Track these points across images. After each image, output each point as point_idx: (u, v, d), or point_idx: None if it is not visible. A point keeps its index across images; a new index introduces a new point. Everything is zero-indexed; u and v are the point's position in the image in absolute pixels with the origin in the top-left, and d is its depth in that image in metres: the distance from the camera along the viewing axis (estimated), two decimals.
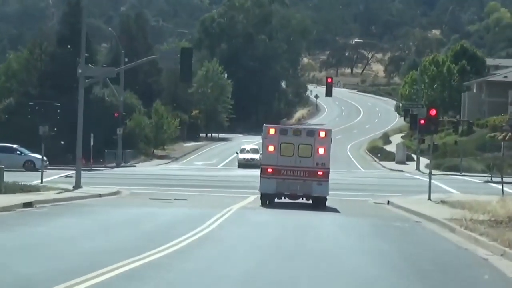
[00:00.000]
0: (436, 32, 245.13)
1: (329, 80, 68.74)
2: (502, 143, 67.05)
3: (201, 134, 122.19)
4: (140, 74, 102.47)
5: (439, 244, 23.22)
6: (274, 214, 31.88)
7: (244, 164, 74.20)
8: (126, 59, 76.55)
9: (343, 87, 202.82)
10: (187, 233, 22.46)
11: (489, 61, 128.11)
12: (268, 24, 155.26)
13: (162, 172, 64.27)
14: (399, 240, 23.66)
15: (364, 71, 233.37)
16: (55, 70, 77.62)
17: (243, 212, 31.80)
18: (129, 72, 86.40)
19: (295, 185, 35.72)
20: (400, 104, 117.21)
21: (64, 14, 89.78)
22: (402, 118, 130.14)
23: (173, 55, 44.07)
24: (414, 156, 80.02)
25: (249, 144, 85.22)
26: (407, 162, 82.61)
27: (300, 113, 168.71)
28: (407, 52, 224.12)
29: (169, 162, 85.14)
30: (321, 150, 35.76)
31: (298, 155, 35.75)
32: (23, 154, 63.17)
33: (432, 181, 40.65)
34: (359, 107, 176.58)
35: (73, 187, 41.01)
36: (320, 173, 35.59)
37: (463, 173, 68.13)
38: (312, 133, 36.47)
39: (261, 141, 38.30)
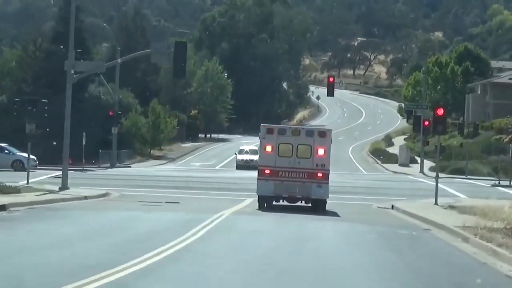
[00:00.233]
0: (438, 34, 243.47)
1: (331, 79, 66.67)
2: (510, 145, 65.68)
3: (200, 135, 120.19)
4: (138, 73, 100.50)
5: (454, 257, 20.78)
6: (270, 220, 29.46)
7: (243, 166, 72.97)
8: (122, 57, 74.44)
9: (346, 88, 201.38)
10: (166, 244, 19.79)
11: (493, 63, 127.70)
12: (269, 24, 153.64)
13: (157, 173, 62.19)
14: (409, 253, 21.19)
15: (366, 73, 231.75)
16: (49, 68, 75.36)
17: (236, 218, 29.21)
18: (126, 71, 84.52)
19: (294, 187, 33.89)
20: (403, 105, 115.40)
21: (60, 9, 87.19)
22: (405, 120, 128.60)
23: (166, 50, 42.00)
24: (418, 159, 78.83)
25: (248, 145, 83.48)
26: (411, 165, 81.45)
27: (301, 114, 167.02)
28: (409, 54, 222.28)
29: (165, 163, 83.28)
30: (321, 151, 33.89)
31: (297, 156, 33.93)
32: (11, 154, 61.08)
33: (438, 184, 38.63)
34: (361, 109, 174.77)
35: (59, 188, 38.92)
36: (319, 174, 33.74)
37: (468, 176, 66.86)
38: (311, 133, 34.63)
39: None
